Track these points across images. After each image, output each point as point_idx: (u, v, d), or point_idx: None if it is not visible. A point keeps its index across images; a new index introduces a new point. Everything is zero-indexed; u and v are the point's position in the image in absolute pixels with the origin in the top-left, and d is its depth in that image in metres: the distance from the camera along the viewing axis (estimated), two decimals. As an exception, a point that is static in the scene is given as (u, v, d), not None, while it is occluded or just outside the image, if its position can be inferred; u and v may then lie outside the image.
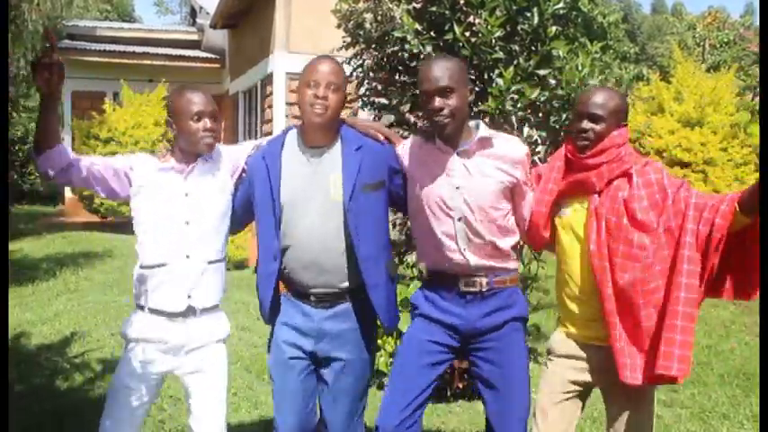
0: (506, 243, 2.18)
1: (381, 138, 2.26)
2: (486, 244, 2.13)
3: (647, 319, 1.97)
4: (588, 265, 2.07)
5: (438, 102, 2.04)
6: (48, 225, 11.16)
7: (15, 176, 15.44)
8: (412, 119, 3.67)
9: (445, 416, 3.62)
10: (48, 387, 3.92)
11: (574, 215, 2.14)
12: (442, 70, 2.05)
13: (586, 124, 2.05)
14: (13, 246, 8.43)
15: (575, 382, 2.16)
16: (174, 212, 2.17)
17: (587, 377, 2.15)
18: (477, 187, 2.11)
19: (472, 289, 2.15)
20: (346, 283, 2.15)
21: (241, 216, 2.30)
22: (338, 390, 2.21)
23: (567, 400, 2.17)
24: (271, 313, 2.23)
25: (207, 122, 2.17)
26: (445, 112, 2.05)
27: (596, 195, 2.08)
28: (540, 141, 3.54)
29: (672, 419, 3.65)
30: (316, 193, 2.12)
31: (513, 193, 2.18)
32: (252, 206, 2.24)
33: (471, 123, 2.20)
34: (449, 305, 2.18)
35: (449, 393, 3.72)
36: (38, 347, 4.72)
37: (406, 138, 2.43)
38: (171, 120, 2.21)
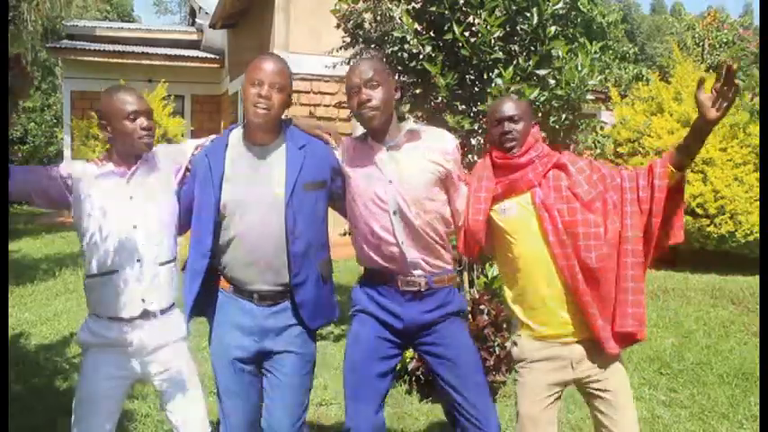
0: (444, 233, 2.23)
1: (326, 137, 2.29)
2: (423, 236, 2.17)
3: (611, 290, 2.10)
4: (548, 257, 2.11)
5: (365, 93, 2.12)
6: (47, 225, 11.15)
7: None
8: (411, 119, 3.67)
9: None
10: (48, 387, 3.92)
11: (520, 213, 2.17)
12: (368, 66, 2.16)
13: (508, 126, 2.17)
14: (12, 246, 8.43)
15: (556, 384, 2.18)
16: (121, 217, 2.13)
17: (566, 375, 2.17)
18: (409, 180, 2.16)
19: (411, 288, 2.19)
20: (286, 280, 2.16)
21: (187, 217, 2.27)
22: (281, 384, 2.21)
23: (553, 403, 2.19)
24: (192, 312, 2.22)
25: (143, 121, 2.15)
26: (372, 103, 2.13)
27: (537, 189, 2.15)
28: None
29: (671, 419, 3.65)
30: (259, 190, 2.14)
31: (445, 185, 2.23)
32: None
33: (402, 123, 2.28)
34: (387, 302, 2.22)
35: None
36: (37, 347, 4.72)
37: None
38: (105, 123, 2.17)
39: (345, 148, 2.29)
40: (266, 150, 2.18)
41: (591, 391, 2.17)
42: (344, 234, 2.75)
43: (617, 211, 2.12)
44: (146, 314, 2.16)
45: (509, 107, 2.19)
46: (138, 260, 2.14)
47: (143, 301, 2.15)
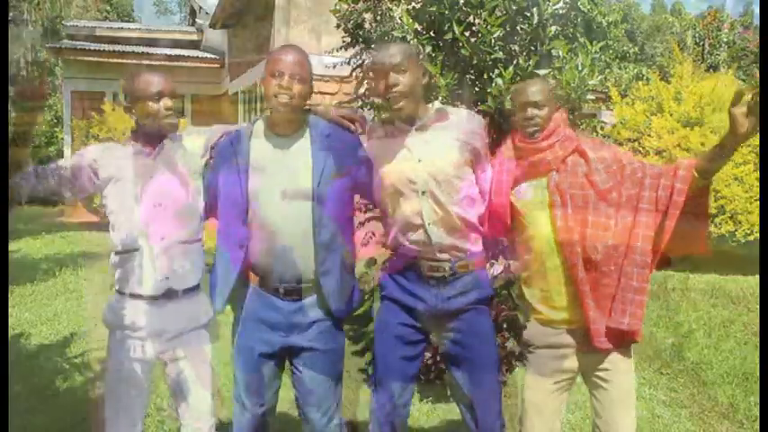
0: (472, 214, 2.22)
1: (352, 127, 2.29)
2: (451, 216, 2.17)
3: (612, 283, 2.08)
4: (556, 240, 2.11)
5: (392, 78, 2.11)
6: (47, 225, 11.15)
7: (15, 176, 15.36)
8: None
9: (445, 415, 3.62)
10: (48, 387, 3.92)
11: (535, 196, 2.17)
12: (396, 50, 2.16)
13: (531, 112, 2.17)
14: (12, 246, 8.42)
15: (562, 371, 2.18)
16: (145, 195, 2.16)
17: (572, 363, 2.17)
18: (438, 158, 2.16)
19: (436, 274, 2.20)
20: (312, 270, 2.16)
21: (211, 203, 2.28)
22: (311, 380, 2.22)
23: (558, 391, 2.19)
24: (227, 303, 2.22)
25: (168, 101, 2.18)
26: (399, 88, 2.12)
27: (554, 173, 2.15)
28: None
29: (671, 419, 3.65)
30: (284, 181, 2.14)
31: (473, 164, 2.23)
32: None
33: (429, 105, 2.28)
34: (414, 288, 2.23)
35: (449, 393, 3.71)
36: (37, 347, 4.72)
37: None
38: (130, 105, 2.21)
39: (372, 131, 2.29)
40: (290, 141, 2.19)
41: (591, 378, 2.18)
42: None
43: (631, 205, 2.09)
44: (169, 293, 2.17)
45: (534, 92, 2.18)
46: (162, 238, 2.15)
47: (167, 278, 2.16)
